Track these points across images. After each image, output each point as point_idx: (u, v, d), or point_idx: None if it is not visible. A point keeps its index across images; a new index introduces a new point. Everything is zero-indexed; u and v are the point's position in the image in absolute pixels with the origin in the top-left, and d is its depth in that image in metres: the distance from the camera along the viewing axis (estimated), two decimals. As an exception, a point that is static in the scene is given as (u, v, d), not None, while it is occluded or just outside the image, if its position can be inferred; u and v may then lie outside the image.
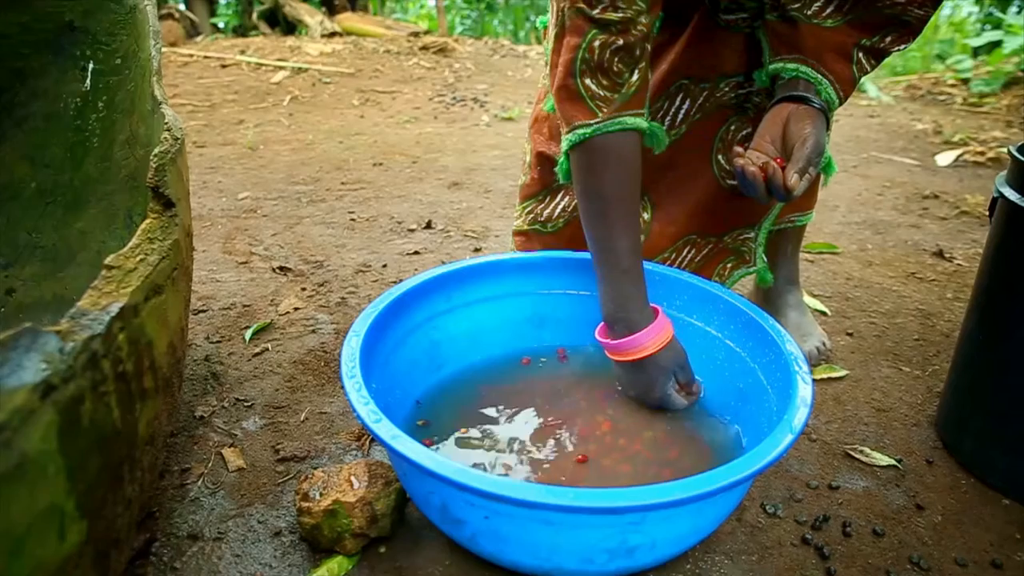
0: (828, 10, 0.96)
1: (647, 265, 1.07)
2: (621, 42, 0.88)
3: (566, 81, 0.90)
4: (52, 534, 0.55)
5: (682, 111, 1.12)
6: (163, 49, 1.15)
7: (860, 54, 0.98)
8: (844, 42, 0.97)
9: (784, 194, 0.89)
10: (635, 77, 0.90)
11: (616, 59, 0.89)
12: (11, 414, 0.51)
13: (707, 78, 1.09)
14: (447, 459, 0.65)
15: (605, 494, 0.61)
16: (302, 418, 1.06)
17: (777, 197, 0.91)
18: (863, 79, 1.03)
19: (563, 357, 1.10)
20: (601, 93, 0.90)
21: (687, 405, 0.97)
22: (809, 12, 0.97)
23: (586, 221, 0.94)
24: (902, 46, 0.99)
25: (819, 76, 0.97)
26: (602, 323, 0.98)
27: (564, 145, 0.93)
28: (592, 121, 0.90)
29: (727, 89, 1.10)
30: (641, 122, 0.92)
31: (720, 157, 1.13)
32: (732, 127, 1.12)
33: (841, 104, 1.00)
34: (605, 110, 0.90)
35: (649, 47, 0.92)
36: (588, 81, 0.90)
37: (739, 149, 0.94)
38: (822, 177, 1.17)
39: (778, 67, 1.00)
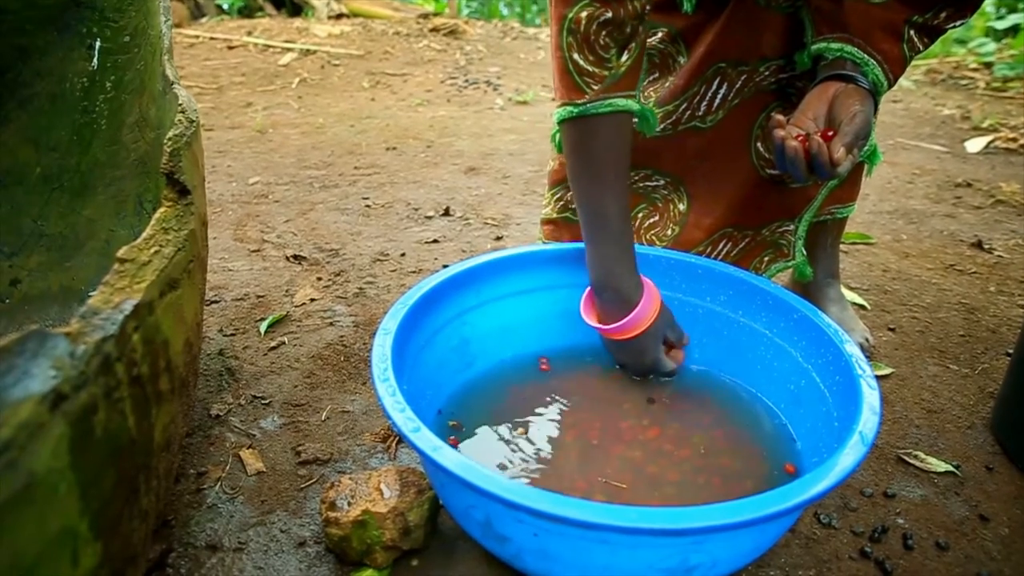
0: None
1: (690, 257, 1.02)
2: (610, 14, 0.83)
3: (556, 53, 0.87)
4: (65, 561, 0.49)
5: (719, 96, 1.05)
6: (170, 28, 1.09)
7: (911, 32, 0.92)
8: (893, 19, 0.90)
9: (829, 171, 0.82)
10: (625, 57, 0.87)
11: (604, 33, 0.84)
12: (17, 429, 0.45)
13: (746, 61, 1.03)
14: (495, 473, 0.59)
15: (671, 514, 0.56)
16: (323, 417, 1.01)
17: (820, 175, 0.84)
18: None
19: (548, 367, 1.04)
20: (589, 69, 0.86)
21: (675, 367, 0.98)
22: None
23: (576, 187, 0.92)
24: (958, 23, 0.92)
25: (865, 56, 0.90)
26: (586, 296, 0.96)
27: (555, 116, 0.90)
28: (580, 100, 0.86)
29: (767, 73, 1.03)
30: (632, 104, 0.89)
31: (759, 145, 1.07)
32: (772, 114, 1.06)
33: (891, 87, 0.93)
34: (595, 87, 0.86)
35: (643, 29, 0.88)
36: (576, 56, 0.85)
37: (779, 118, 0.87)
38: (865, 167, 1.11)
39: (821, 47, 0.93)
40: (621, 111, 0.88)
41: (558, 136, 0.95)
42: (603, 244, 0.91)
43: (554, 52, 0.87)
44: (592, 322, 0.95)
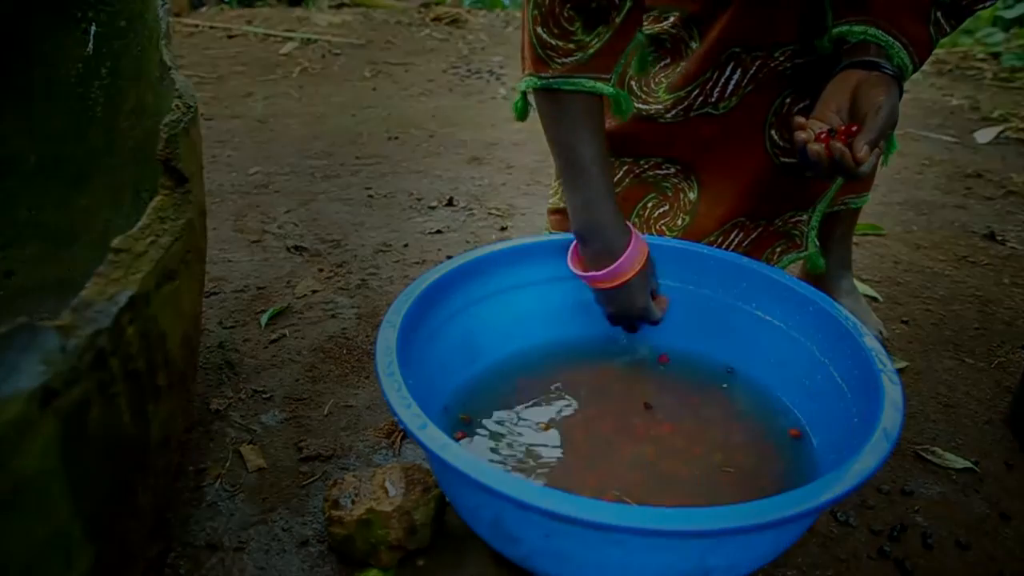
0: None
1: (701, 247, 0.99)
2: None
3: (524, 26, 0.86)
4: (57, 565, 0.47)
5: (732, 82, 1.02)
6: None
7: (938, 13, 0.88)
8: (920, 0, 0.87)
9: (852, 172, 0.80)
10: (594, 38, 0.84)
11: (568, 6, 0.82)
12: (5, 428, 0.43)
13: (760, 46, 0.99)
14: (505, 472, 0.57)
15: (690, 515, 0.53)
16: (325, 412, 0.98)
17: (844, 176, 0.82)
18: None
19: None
20: (552, 42, 0.84)
21: (661, 317, 0.96)
22: None
23: (551, 139, 0.91)
24: (987, 4, 0.89)
25: (890, 39, 0.87)
26: (572, 247, 0.94)
27: (519, 85, 0.88)
28: (545, 74, 0.85)
29: (782, 59, 1.00)
30: (603, 87, 0.86)
31: (774, 133, 1.04)
32: (788, 100, 1.03)
33: (916, 71, 0.90)
34: (559, 62, 0.85)
35: (619, 14, 0.84)
36: (539, 29, 0.84)
37: (800, 119, 0.85)
38: (881, 156, 1.08)
39: (843, 30, 0.90)
40: (587, 92, 0.86)
41: (519, 104, 0.95)
42: (583, 190, 0.89)
43: (523, 25, 0.86)
44: (579, 272, 0.93)
